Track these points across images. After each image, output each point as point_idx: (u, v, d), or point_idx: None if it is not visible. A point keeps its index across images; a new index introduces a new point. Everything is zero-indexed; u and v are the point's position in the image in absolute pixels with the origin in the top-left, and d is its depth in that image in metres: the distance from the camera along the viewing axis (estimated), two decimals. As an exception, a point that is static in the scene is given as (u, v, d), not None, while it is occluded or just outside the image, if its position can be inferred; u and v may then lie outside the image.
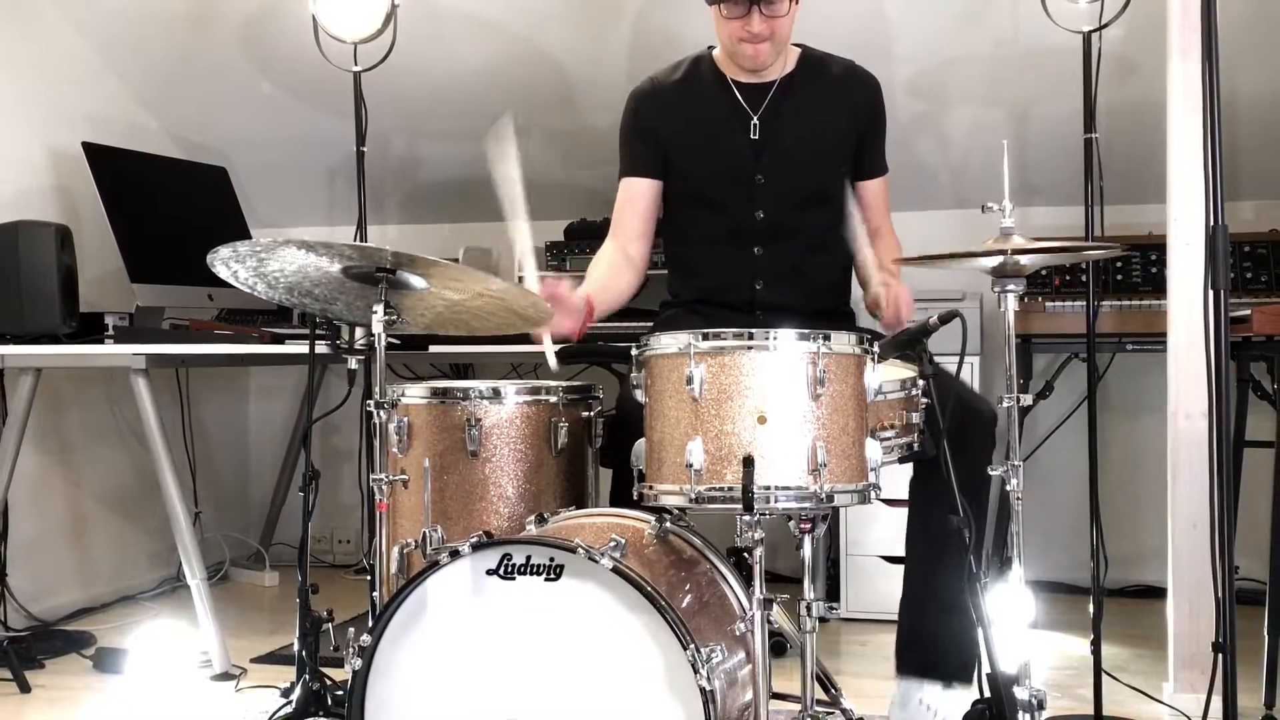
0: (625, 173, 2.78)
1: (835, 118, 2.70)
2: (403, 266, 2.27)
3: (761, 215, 2.65)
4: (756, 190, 2.66)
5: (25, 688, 3.08)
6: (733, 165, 2.68)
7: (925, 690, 2.45)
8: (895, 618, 2.56)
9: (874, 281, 2.55)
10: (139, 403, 3.27)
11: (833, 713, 2.35)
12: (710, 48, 2.77)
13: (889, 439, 2.13)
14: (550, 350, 2.45)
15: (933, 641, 2.45)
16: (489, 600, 2.00)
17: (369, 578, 2.40)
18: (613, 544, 1.94)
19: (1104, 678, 2.66)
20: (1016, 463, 2.16)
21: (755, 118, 2.67)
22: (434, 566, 2.03)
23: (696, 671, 1.85)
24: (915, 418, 2.20)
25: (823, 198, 2.68)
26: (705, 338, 1.96)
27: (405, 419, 2.36)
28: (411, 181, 4.52)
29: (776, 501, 1.93)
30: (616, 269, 2.72)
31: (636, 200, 2.76)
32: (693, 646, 1.85)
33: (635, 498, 2.09)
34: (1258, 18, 3.35)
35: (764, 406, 1.94)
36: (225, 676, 3.18)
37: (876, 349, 2.06)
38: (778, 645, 2.87)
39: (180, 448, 4.26)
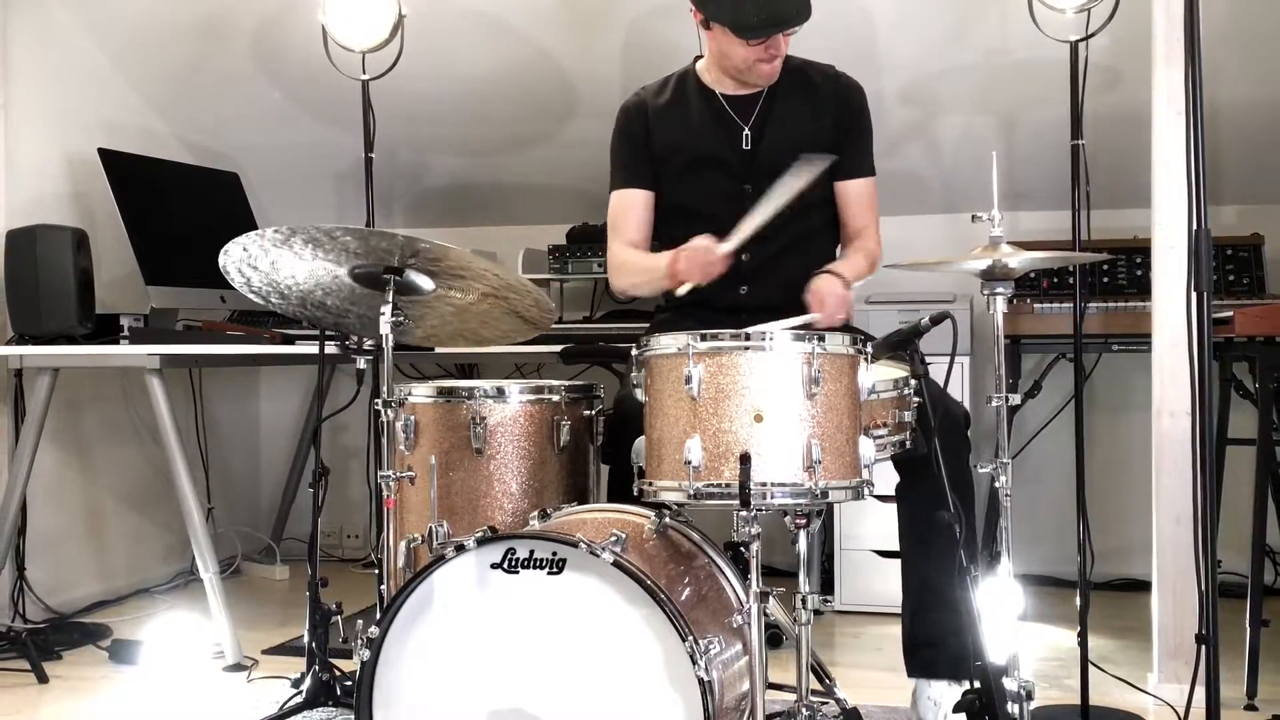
0: (620, 185, 2.77)
1: (819, 124, 2.69)
2: (410, 258, 2.26)
3: None
4: (747, 200, 2.65)
5: (43, 678, 3.08)
6: (724, 178, 2.67)
7: (933, 687, 2.46)
8: (888, 610, 2.57)
9: (815, 281, 2.53)
10: (153, 401, 3.27)
11: (827, 702, 2.35)
12: (697, 57, 2.76)
13: (882, 437, 2.13)
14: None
15: (935, 643, 2.45)
16: (493, 593, 2.00)
17: (377, 571, 2.40)
18: (613, 539, 1.95)
19: (1090, 668, 2.65)
20: (1005, 460, 2.17)
21: (746, 128, 2.66)
22: (440, 560, 2.03)
23: (695, 662, 1.85)
24: (907, 416, 2.20)
25: (809, 204, 2.67)
26: (704, 338, 1.96)
27: (412, 417, 2.36)
28: (418, 186, 4.53)
29: (772, 497, 1.94)
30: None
31: (636, 210, 2.75)
32: (691, 638, 1.85)
33: (635, 494, 2.09)
34: (1239, 27, 3.35)
35: (760, 405, 1.94)
36: (237, 667, 3.18)
37: (870, 349, 2.06)
38: (774, 637, 2.87)
39: (193, 445, 4.26)
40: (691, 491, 1.95)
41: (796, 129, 2.67)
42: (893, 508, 2.52)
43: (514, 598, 1.99)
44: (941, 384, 2.28)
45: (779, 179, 2.47)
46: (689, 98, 2.72)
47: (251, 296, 2.42)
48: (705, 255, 2.46)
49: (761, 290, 2.64)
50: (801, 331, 1.97)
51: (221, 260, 2.30)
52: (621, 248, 2.76)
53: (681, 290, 2.51)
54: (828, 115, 2.70)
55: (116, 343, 3.46)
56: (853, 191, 2.73)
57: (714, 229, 2.61)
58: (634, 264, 2.72)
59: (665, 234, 2.76)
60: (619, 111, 2.79)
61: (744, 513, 1.91)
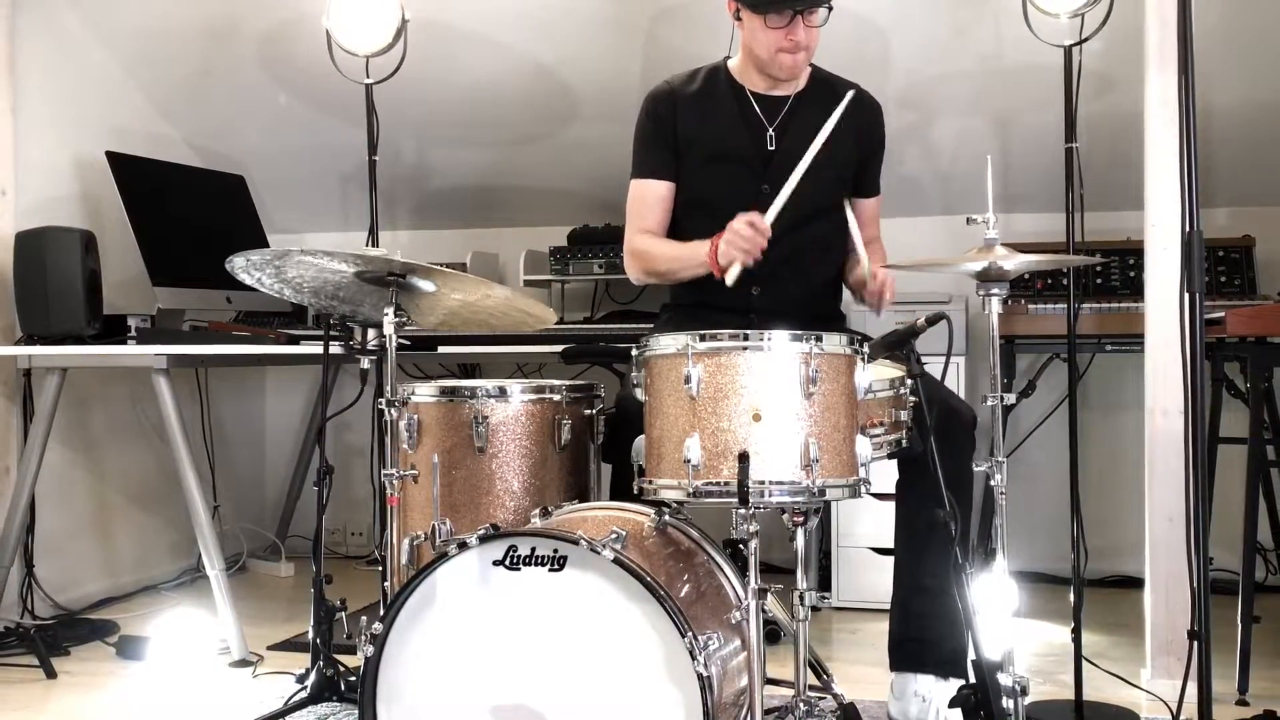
0: (641, 174, 2.73)
1: (842, 137, 2.69)
2: (410, 273, 2.27)
3: None
4: (762, 200, 2.65)
5: (51, 674, 3.08)
6: (743, 175, 2.67)
7: (919, 681, 2.45)
8: (884, 607, 2.56)
9: (863, 265, 2.59)
10: (160, 401, 3.27)
11: (824, 697, 2.35)
12: (726, 58, 2.76)
13: (878, 436, 2.13)
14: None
15: (924, 638, 2.45)
16: (495, 590, 2.01)
17: (380, 568, 2.40)
18: (614, 536, 1.95)
19: (1084, 664, 2.66)
20: (1000, 459, 2.17)
21: (771, 129, 2.66)
22: (443, 558, 2.03)
23: (694, 658, 1.85)
24: (903, 415, 2.20)
25: (823, 210, 2.68)
26: (703, 339, 1.96)
27: (415, 416, 2.36)
28: (421, 189, 4.53)
29: (771, 496, 1.93)
30: None
31: (656, 200, 2.72)
32: (690, 634, 1.86)
33: (635, 492, 2.09)
34: (1231, 33, 3.35)
35: (759, 404, 1.94)
36: (243, 663, 3.18)
37: (866, 349, 2.06)
38: (772, 633, 2.87)
39: (200, 444, 4.26)
40: (691, 490, 1.95)
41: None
42: (888, 505, 2.52)
43: (516, 594, 1.99)
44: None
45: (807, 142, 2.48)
46: (719, 91, 2.71)
47: (266, 292, 2.43)
48: (749, 232, 2.40)
49: (772, 293, 2.63)
50: (799, 332, 1.97)
51: (229, 265, 2.31)
52: (642, 236, 2.72)
53: (730, 277, 2.44)
54: (849, 131, 2.70)
55: (124, 343, 3.46)
56: (869, 208, 2.80)
57: (728, 219, 2.61)
58: (662, 253, 2.67)
59: (680, 223, 2.74)
60: (646, 98, 2.75)
61: (742, 510, 1.91)
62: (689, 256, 2.57)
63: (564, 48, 3.84)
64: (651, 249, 2.69)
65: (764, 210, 2.62)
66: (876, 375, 2.12)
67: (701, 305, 2.69)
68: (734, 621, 2.02)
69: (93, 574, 3.95)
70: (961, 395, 3.56)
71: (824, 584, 3.72)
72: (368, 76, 3.29)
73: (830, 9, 2.54)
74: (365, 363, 2.77)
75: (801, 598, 2.10)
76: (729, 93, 2.70)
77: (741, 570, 1.99)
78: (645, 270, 2.72)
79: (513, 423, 2.35)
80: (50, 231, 3.44)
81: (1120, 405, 3.98)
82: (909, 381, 2.18)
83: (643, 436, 2.08)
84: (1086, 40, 2.75)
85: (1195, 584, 1.98)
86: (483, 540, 2.00)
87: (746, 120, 2.68)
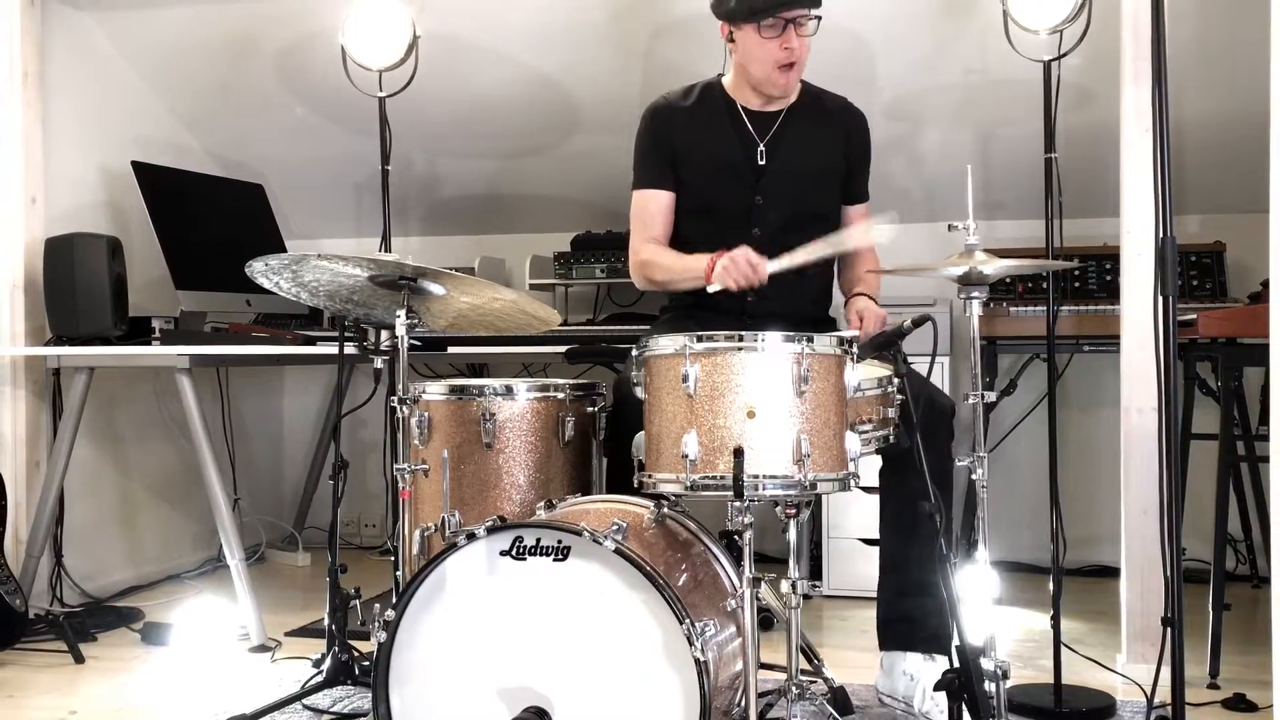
0: (642, 185, 2.74)
1: (831, 149, 2.72)
2: (421, 277, 2.27)
3: (758, 232, 2.65)
4: (755, 209, 2.66)
5: (79, 659, 3.08)
6: (737, 186, 2.67)
7: (908, 660, 2.45)
8: (872, 595, 2.56)
9: (855, 303, 2.62)
10: (183, 399, 3.27)
11: (815, 681, 2.35)
12: (719, 75, 2.76)
13: (867, 432, 2.13)
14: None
15: (910, 617, 2.45)
16: (502, 579, 2.00)
17: (393, 558, 2.40)
18: (615, 527, 1.95)
19: (1063, 650, 2.65)
20: (982, 454, 2.17)
21: (762, 145, 2.67)
22: (452, 548, 2.03)
23: (691, 644, 1.85)
24: (891, 412, 2.20)
25: (815, 219, 2.68)
26: (699, 339, 1.96)
27: (426, 414, 2.36)
28: (432, 197, 4.53)
29: (764, 489, 1.93)
30: None
31: (658, 209, 2.72)
32: (688, 621, 1.86)
33: (635, 486, 2.09)
34: (1203, 48, 3.35)
35: (753, 402, 1.94)
36: (262, 648, 3.18)
37: (855, 350, 2.06)
38: (765, 620, 2.86)
39: (221, 440, 4.26)
40: (688, 483, 1.95)
41: (807, 152, 2.70)
42: (877, 498, 2.52)
43: (521, 583, 1.99)
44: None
45: (843, 231, 2.54)
46: (713, 106, 2.72)
47: (283, 295, 2.43)
48: (747, 269, 2.42)
49: (767, 298, 2.63)
50: (791, 333, 1.97)
51: (249, 270, 2.31)
52: (645, 244, 2.72)
53: (713, 288, 2.47)
54: (838, 143, 2.73)
55: (148, 344, 3.46)
56: (857, 213, 2.81)
57: (725, 229, 2.62)
58: (663, 263, 2.67)
59: (679, 231, 2.74)
60: (645, 113, 2.76)
61: (737, 503, 1.91)
62: (688, 269, 2.58)
63: (568, 62, 3.84)
64: (655, 259, 2.70)
65: (763, 223, 2.63)
66: (865, 374, 2.12)
67: (699, 308, 2.69)
68: (729, 609, 2.02)
69: (119, 564, 3.95)
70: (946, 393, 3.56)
71: (815, 573, 3.72)
72: (381, 90, 3.29)
73: (819, 19, 2.54)
74: (378, 362, 2.78)
75: (794, 586, 2.10)
76: (722, 108, 2.71)
77: (737, 560, 1.99)
78: (648, 278, 2.73)
79: (519, 420, 2.35)
80: (78, 238, 3.44)
81: (1097, 403, 3.98)
82: (896, 380, 2.18)
83: (642, 433, 2.08)
84: (1065, 55, 2.74)
85: (1169, 573, 1.98)
86: (490, 531, 2.00)
87: (739, 135, 2.69)
